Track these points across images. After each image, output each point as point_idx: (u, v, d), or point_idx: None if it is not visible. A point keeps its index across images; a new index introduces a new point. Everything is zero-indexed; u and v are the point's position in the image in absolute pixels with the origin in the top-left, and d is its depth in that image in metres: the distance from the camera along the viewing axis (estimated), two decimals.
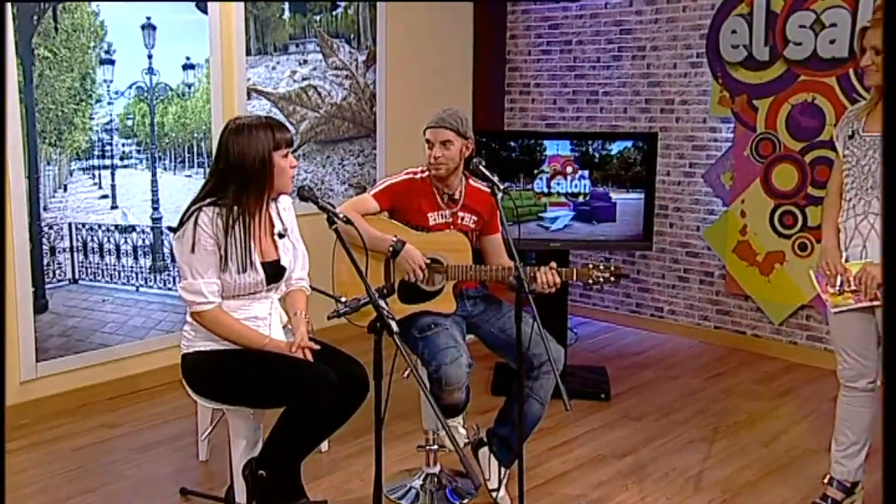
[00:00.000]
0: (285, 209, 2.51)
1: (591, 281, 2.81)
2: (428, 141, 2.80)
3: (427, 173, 2.91)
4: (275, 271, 2.42)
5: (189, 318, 2.40)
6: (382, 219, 2.86)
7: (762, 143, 4.36)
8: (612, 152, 3.79)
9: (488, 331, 2.89)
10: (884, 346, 1.01)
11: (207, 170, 3.91)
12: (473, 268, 2.81)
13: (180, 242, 2.29)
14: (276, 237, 2.44)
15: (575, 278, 2.83)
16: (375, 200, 2.81)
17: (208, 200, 2.30)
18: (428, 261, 2.77)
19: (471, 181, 2.99)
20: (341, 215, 2.22)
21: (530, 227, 3.77)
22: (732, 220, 4.50)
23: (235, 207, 2.30)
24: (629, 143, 3.79)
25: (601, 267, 2.82)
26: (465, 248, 2.85)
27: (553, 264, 2.76)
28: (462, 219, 2.94)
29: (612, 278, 2.81)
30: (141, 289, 3.78)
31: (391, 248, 2.75)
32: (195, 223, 2.26)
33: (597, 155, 3.80)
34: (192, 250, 2.26)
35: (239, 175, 2.28)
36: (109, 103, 3.58)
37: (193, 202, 2.33)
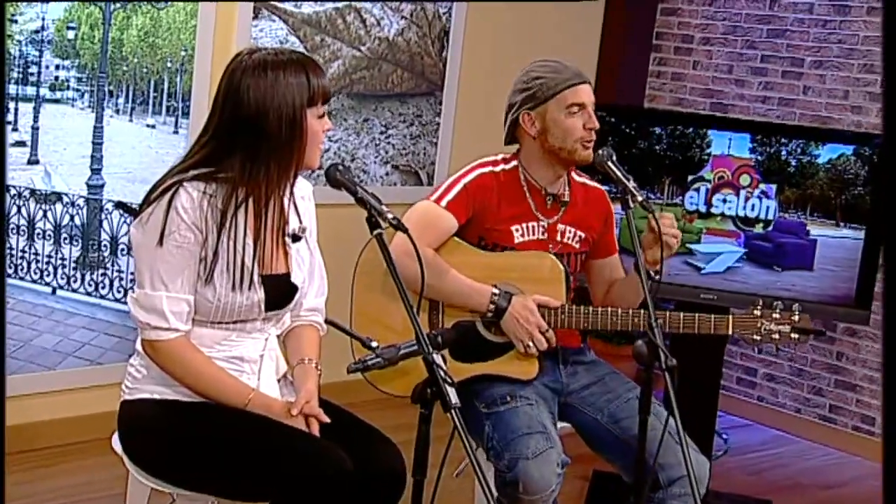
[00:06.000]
0: (303, 198, 2.60)
1: (757, 337, 2.83)
2: (576, 106, 2.89)
3: (513, 164, 2.99)
4: (281, 291, 2.50)
5: (139, 347, 2.49)
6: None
7: None
8: (819, 160, 3.80)
9: (592, 418, 2.93)
10: (884, 345, 1.35)
11: (181, 119, 4.07)
12: (571, 312, 2.86)
13: (142, 230, 2.38)
14: (287, 239, 2.52)
15: (731, 330, 2.85)
16: (452, 214, 2.89)
17: (195, 173, 2.39)
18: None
19: (574, 175, 3.08)
20: (390, 216, 2.30)
21: (672, 263, 3.80)
22: None
23: (242, 189, 2.38)
24: (848, 149, 3.79)
25: (777, 314, 2.84)
26: (557, 276, 2.91)
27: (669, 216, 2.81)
28: (564, 235, 3.01)
29: (796, 335, 2.82)
30: (60, 291, 3.91)
31: (492, 306, 2.84)
32: (170, 204, 2.35)
33: (793, 162, 3.82)
34: (160, 243, 2.35)
35: (254, 139, 2.36)
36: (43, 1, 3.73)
37: (171, 173, 2.42)
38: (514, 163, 3.00)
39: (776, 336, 2.82)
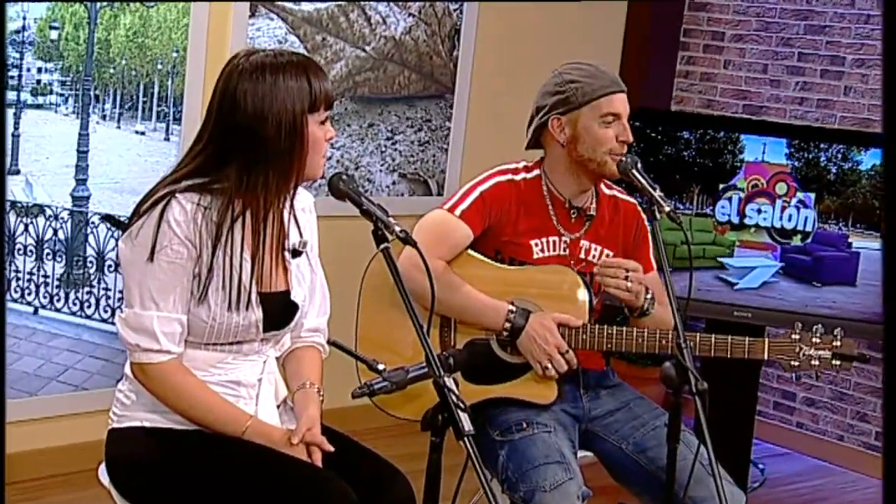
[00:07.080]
0: (304, 210, 2.61)
1: (795, 363, 2.83)
2: (612, 115, 2.89)
3: (535, 172, 3.01)
4: (280, 310, 2.51)
5: (128, 371, 2.50)
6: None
7: None
8: (862, 167, 3.80)
9: (616, 447, 2.94)
10: (885, 346, 1.28)
11: (173, 126, 4.08)
12: (593, 332, 2.86)
13: (131, 245, 2.39)
14: (286, 254, 2.53)
15: (766, 355, 2.85)
16: (466, 224, 2.90)
17: (188, 184, 2.40)
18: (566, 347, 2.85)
19: (603, 187, 3.08)
20: (398, 228, 2.31)
21: (703, 278, 3.81)
22: None
23: (238, 201, 2.39)
24: None
25: (817, 338, 2.83)
26: (579, 294, 2.91)
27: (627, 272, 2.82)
28: (588, 252, 3.02)
29: (837, 362, 2.81)
30: (42, 311, 3.92)
31: (508, 325, 2.84)
32: (161, 217, 2.36)
33: (833, 168, 3.82)
34: (151, 259, 2.36)
35: (251, 147, 2.37)
36: None
37: (162, 183, 2.43)
38: (537, 171, 3.00)
39: (816, 362, 2.81)
